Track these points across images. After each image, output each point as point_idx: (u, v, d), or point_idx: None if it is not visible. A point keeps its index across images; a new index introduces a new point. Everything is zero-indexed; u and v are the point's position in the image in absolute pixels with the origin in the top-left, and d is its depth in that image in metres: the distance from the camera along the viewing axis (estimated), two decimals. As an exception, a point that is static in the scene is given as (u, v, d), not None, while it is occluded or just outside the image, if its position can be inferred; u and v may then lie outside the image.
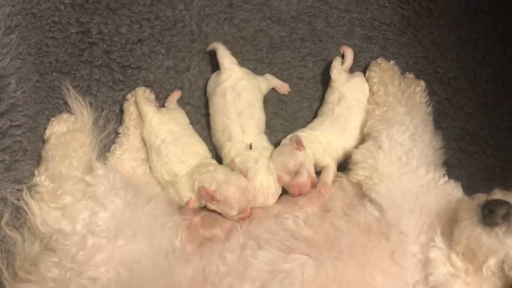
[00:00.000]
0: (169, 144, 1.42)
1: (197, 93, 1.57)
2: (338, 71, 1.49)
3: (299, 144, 1.37)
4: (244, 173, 1.37)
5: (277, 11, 1.59)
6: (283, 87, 1.57)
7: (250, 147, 1.41)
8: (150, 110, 1.45)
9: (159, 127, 1.44)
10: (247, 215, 1.33)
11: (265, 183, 1.36)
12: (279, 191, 1.40)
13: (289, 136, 1.44)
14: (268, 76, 1.55)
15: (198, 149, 1.46)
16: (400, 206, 1.21)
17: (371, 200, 1.25)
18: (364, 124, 1.44)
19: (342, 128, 1.44)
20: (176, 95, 1.54)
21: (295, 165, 1.36)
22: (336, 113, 1.45)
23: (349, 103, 1.45)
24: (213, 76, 1.51)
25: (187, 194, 1.39)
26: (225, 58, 1.47)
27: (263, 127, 1.50)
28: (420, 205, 1.20)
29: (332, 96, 1.48)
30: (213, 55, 1.56)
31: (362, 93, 1.47)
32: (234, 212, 1.32)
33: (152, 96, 1.54)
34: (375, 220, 1.22)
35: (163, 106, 1.55)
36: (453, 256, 1.11)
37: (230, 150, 1.43)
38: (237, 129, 1.43)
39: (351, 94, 1.46)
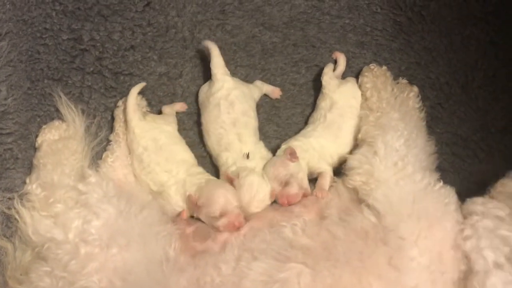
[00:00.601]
0: (151, 153, 1.41)
1: (189, 100, 1.56)
2: (329, 77, 1.49)
3: (292, 156, 1.37)
4: (232, 179, 1.36)
5: (269, 17, 1.59)
6: (275, 92, 1.56)
7: (247, 157, 1.41)
8: (135, 117, 1.43)
9: (142, 135, 1.42)
10: (234, 227, 1.28)
11: (255, 185, 1.34)
12: (267, 202, 1.37)
13: (283, 147, 1.44)
14: (258, 83, 1.55)
15: (184, 157, 1.44)
16: (397, 211, 1.21)
17: (368, 206, 1.25)
18: (357, 130, 1.44)
19: (335, 134, 1.44)
20: (179, 106, 1.54)
21: (285, 175, 1.35)
22: (328, 119, 1.45)
23: (340, 109, 1.45)
24: (205, 87, 1.51)
25: (179, 203, 1.37)
26: (218, 68, 1.46)
27: (258, 134, 1.49)
28: (418, 210, 1.20)
29: (323, 103, 1.48)
30: (205, 61, 1.56)
31: (353, 99, 1.47)
32: (217, 221, 1.28)
33: (144, 103, 1.53)
34: (372, 225, 1.22)
35: (159, 112, 1.55)
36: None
37: (228, 159, 1.42)
38: (234, 139, 1.42)
39: (343, 100, 1.46)
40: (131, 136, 1.43)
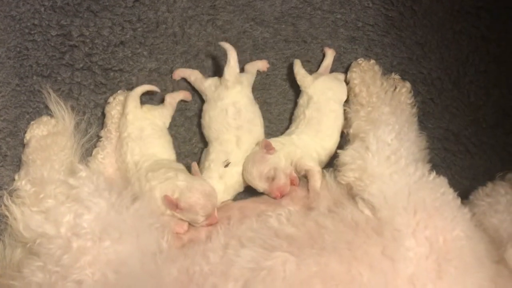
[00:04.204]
0: (131, 140, 1.40)
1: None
2: (302, 75, 1.49)
3: (268, 148, 1.36)
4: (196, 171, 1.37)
5: (260, 12, 1.58)
6: (264, 64, 1.55)
7: (226, 165, 1.40)
8: (132, 104, 1.43)
9: (132, 122, 1.42)
10: (214, 220, 1.30)
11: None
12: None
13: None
14: (249, 67, 1.52)
15: (158, 153, 1.41)
16: (393, 205, 1.21)
17: (363, 199, 1.25)
18: (341, 120, 1.45)
19: (316, 129, 1.44)
20: (183, 95, 1.52)
21: (269, 170, 1.35)
22: (307, 115, 1.45)
23: (317, 104, 1.45)
24: (212, 84, 1.46)
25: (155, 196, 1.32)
26: (232, 75, 1.42)
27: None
28: (414, 202, 1.21)
29: (301, 99, 1.49)
30: (196, 57, 1.55)
31: (329, 90, 1.46)
32: (200, 219, 1.29)
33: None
34: (364, 217, 1.22)
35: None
36: None
37: (213, 152, 1.42)
38: (232, 140, 1.41)
39: (318, 94, 1.46)
40: (123, 120, 1.43)
